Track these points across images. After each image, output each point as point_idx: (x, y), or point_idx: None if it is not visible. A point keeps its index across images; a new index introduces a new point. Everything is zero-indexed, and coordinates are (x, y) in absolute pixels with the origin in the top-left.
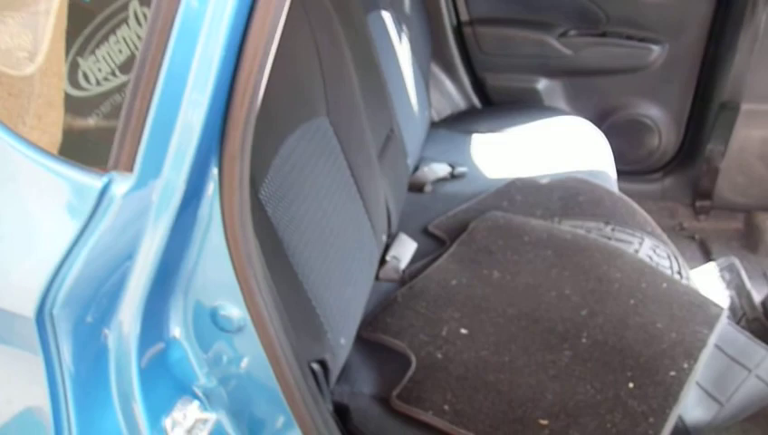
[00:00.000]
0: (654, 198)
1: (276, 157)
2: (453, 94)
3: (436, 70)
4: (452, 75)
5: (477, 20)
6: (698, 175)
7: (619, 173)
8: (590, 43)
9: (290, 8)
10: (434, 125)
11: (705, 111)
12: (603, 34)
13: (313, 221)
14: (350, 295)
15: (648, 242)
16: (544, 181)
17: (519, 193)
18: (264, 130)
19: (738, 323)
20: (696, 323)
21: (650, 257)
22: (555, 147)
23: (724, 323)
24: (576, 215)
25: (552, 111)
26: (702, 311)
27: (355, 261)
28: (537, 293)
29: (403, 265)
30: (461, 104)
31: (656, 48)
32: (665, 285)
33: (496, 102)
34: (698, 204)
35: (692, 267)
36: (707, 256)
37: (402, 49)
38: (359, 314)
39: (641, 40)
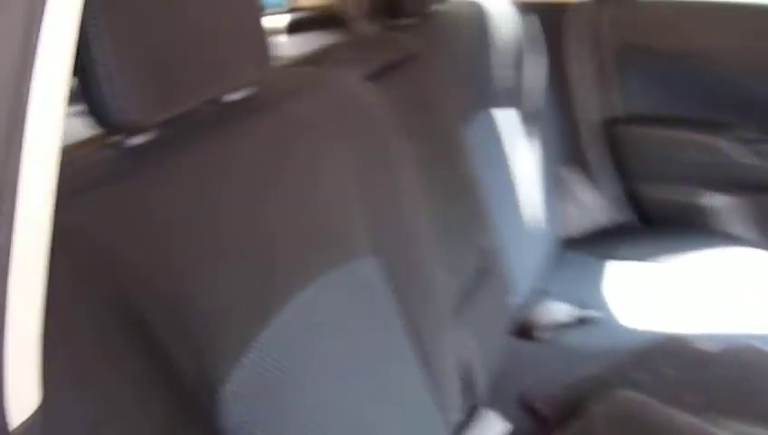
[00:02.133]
0: None
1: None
2: (594, 208)
3: (573, 176)
4: (595, 183)
5: (633, 117)
6: None
7: None
8: None
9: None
10: (565, 246)
11: None
12: None
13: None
14: None
15: None
16: (708, 349)
17: (670, 363)
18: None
19: None
20: None
21: None
22: (725, 290)
23: None
24: (744, 412)
25: (725, 237)
26: None
27: None
28: None
29: None
30: (604, 221)
31: None
32: None
33: (650, 221)
34: None
35: None
36: None
37: (523, 152)
38: None
39: None
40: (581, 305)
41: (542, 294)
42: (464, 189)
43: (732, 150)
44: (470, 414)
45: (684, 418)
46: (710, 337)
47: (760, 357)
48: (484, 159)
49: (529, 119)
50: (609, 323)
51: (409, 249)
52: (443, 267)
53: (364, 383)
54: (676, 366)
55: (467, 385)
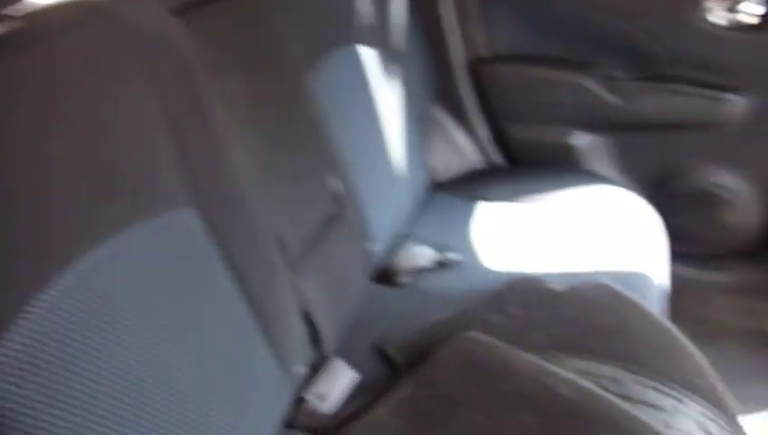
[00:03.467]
0: (727, 291)
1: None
2: (464, 148)
3: (443, 116)
4: (464, 124)
5: (499, 57)
6: None
7: (680, 257)
8: (644, 90)
9: None
10: (433, 189)
11: None
12: (663, 79)
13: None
14: None
15: (694, 407)
16: (557, 288)
17: (519, 303)
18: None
19: None
20: None
21: None
22: (586, 230)
23: None
24: (589, 351)
25: (591, 176)
26: None
27: (234, 411)
28: None
29: (329, 406)
30: (473, 162)
31: (734, 98)
32: None
33: (519, 161)
34: None
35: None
36: None
37: (387, 93)
38: None
39: (715, 87)
40: (445, 249)
41: (406, 238)
42: (309, 132)
43: (598, 90)
44: (317, 366)
45: (526, 358)
46: (565, 276)
47: (609, 295)
48: (340, 100)
49: (393, 58)
50: (469, 265)
51: (232, 197)
52: (282, 215)
53: (178, 350)
54: (526, 306)
55: (314, 336)
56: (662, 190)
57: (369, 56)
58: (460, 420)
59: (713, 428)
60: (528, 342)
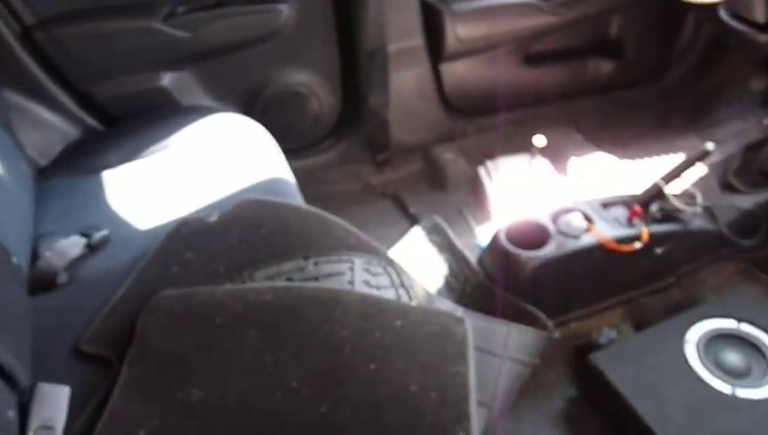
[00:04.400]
0: (334, 165)
1: None
2: (57, 125)
3: (20, 100)
4: (46, 101)
5: (49, 20)
6: (370, 129)
7: (291, 153)
8: (206, 19)
9: None
10: (42, 175)
11: (355, 64)
12: (219, 5)
13: None
14: None
15: (359, 262)
16: (214, 219)
17: (189, 247)
18: None
19: (463, 290)
20: (449, 362)
21: (368, 283)
22: (211, 160)
23: (470, 342)
24: (267, 258)
25: (193, 111)
26: (448, 339)
27: None
28: (258, 402)
29: (60, 429)
30: (73, 134)
31: (283, 8)
32: (399, 322)
33: (118, 118)
34: (378, 158)
35: (395, 229)
36: (405, 211)
37: None
38: None
39: (264, 2)
40: (88, 230)
41: (44, 238)
42: None
43: (164, 29)
44: (24, 403)
45: (222, 289)
46: (212, 207)
47: (256, 207)
48: None
49: None
50: (120, 235)
51: None
52: None
53: None
54: (196, 246)
55: (5, 377)
56: (255, 104)
57: None
58: (191, 369)
59: (377, 270)
60: (214, 276)
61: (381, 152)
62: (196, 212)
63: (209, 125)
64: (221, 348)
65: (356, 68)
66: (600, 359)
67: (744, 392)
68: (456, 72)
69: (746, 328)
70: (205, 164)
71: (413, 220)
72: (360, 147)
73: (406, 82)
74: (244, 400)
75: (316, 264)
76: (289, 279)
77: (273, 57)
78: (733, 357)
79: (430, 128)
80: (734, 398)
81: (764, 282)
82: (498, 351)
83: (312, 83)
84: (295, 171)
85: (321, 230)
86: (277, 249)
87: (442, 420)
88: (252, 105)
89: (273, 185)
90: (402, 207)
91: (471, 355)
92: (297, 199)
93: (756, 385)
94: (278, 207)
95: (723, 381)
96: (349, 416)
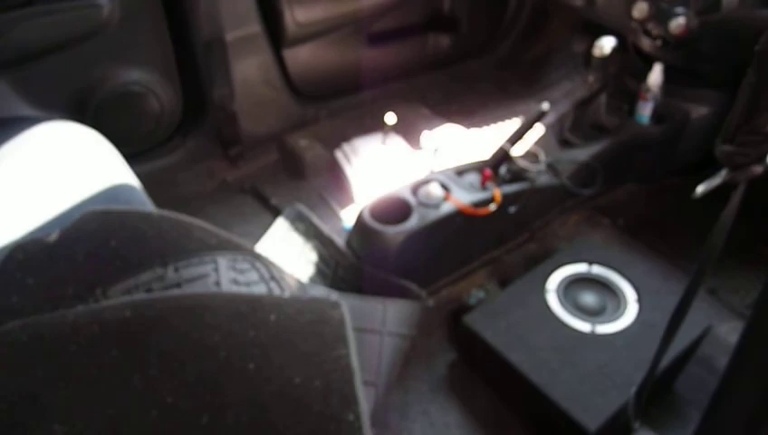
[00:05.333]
0: (184, 165)
1: None
2: None
3: None
4: None
5: None
6: (217, 124)
7: (135, 157)
8: (16, 20)
9: None
10: None
11: (193, 57)
12: (28, 3)
13: None
14: None
15: (224, 261)
16: (54, 238)
17: (28, 273)
18: None
19: (335, 274)
20: (330, 348)
21: (236, 281)
22: (41, 174)
23: (348, 324)
24: (120, 272)
25: (13, 122)
26: (325, 325)
27: None
28: (131, 427)
29: None
30: None
31: (103, 2)
32: (273, 316)
33: None
34: (230, 152)
35: (259, 223)
36: (266, 203)
37: None
38: None
39: None
40: None
41: None
42: None
43: None
44: None
45: (73, 312)
46: (49, 226)
47: (101, 219)
48: None
49: None
50: None
51: None
52: None
53: None
54: (37, 271)
55: None
56: (88, 106)
57: None
58: (47, 405)
59: (244, 266)
60: (62, 299)
61: (233, 146)
62: (33, 233)
63: (35, 136)
64: (80, 376)
65: (194, 61)
66: (472, 320)
67: (602, 328)
68: (301, 57)
69: (597, 269)
70: (36, 179)
71: (275, 212)
72: (210, 143)
73: (249, 71)
74: (115, 427)
75: (176, 269)
76: (149, 290)
77: (99, 56)
78: (588, 298)
79: (281, 116)
80: (593, 335)
81: (606, 225)
82: (377, 328)
83: (147, 81)
84: (142, 176)
85: (178, 234)
86: (130, 260)
87: (330, 406)
88: (83, 110)
89: (116, 193)
90: (262, 200)
91: (350, 337)
92: (146, 206)
93: (611, 320)
94: (125, 215)
95: (583, 320)
96: (232, 422)
